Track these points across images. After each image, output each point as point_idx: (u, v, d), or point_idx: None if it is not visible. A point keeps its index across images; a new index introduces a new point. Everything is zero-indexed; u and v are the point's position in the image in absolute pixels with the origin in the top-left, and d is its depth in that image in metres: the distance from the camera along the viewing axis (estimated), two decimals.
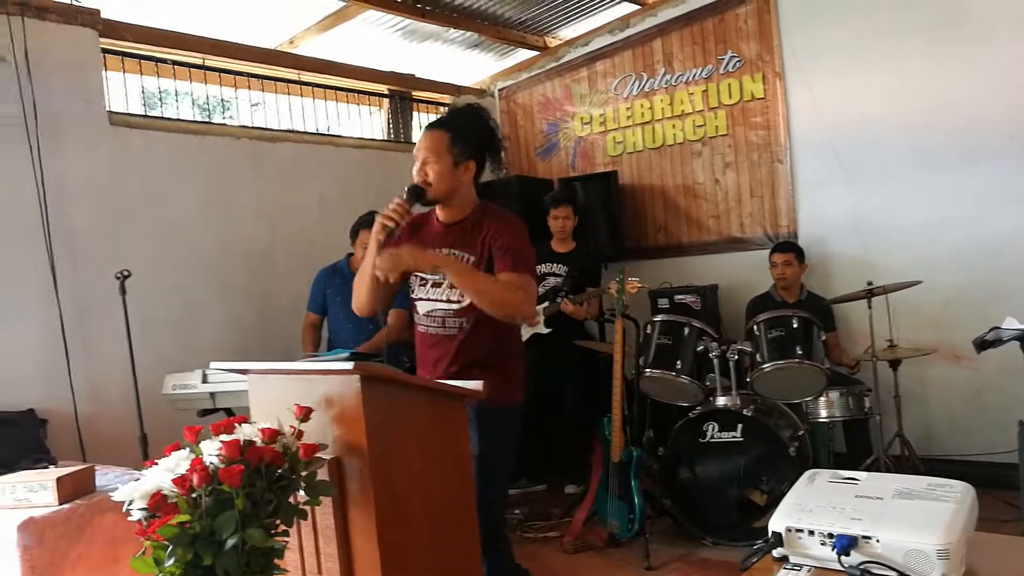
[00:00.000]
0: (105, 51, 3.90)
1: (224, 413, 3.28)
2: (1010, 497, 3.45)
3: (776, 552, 1.38)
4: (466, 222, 2.43)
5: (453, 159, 2.36)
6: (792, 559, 1.35)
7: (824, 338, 3.85)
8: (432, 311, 2.43)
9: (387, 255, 2.28)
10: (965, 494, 1.38)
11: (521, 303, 2.31)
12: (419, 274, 2.43)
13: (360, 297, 2.44)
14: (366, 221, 3.73)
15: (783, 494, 1.49)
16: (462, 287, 2.31)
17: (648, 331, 3.98)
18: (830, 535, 1.31)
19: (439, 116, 2.54)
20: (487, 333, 2.37)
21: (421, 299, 2.46)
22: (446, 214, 2.46)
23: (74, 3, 3.70)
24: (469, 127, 2.42)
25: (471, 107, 2.53)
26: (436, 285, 2.41)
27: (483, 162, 2.45)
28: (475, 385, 1.97)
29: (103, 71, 3.87)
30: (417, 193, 2.35)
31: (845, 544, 1.28)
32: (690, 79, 5.18)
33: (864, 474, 1.53)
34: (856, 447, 4.13)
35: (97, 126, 3.79)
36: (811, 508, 1.39)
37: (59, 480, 2.36)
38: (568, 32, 5.67)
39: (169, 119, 4.23)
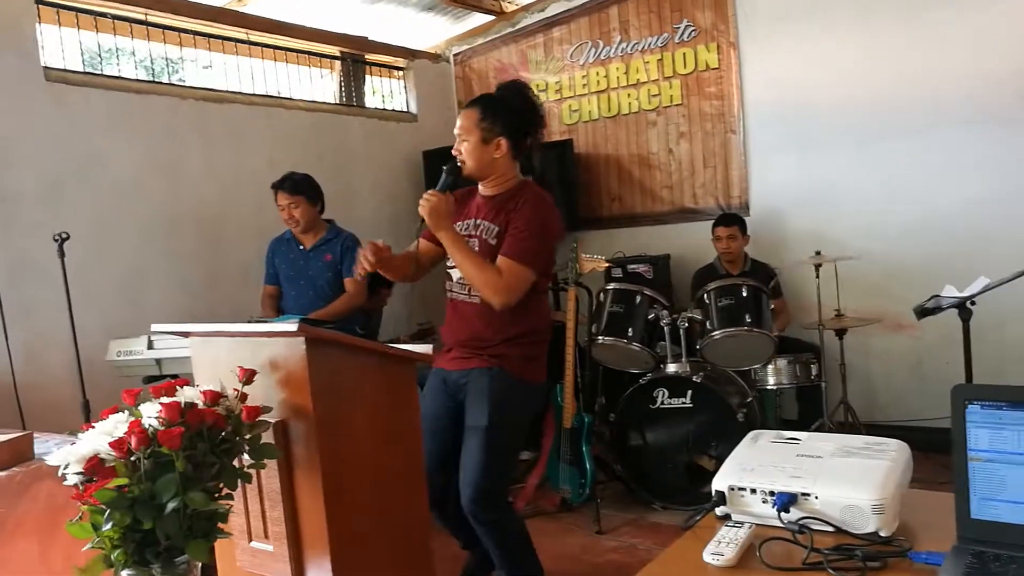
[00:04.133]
0: (39, 2, 3.72)
1: (170, 379, 3.20)
2: (948, 460, 3.56)
3: (719, 511, 1.40)
4: (501, 196, 2.48)
5: (482, 135, 2.41)
6: (734, 517, 1.37)
7: (772, 306, 3.91)
8: (462, 278, 2.48)
9: (423, 204, 2.35)
10: (900, 452, 1.41)
11: (496, 288, 2.33)
12: None
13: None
14: (279, 183, 3.78)
15: None
16: (452, 257, 2.43)
17: (601, 299, 4.01)
18: (771, 492, 1.34)
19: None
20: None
21: (454, 267, 2.51)
22: (485, 188, 2.53)
23: None
24: (500, 103, 2.45)
25: (510, 83, 2.55)
26: None
27: (518, 138, 2.45)
28: (423, 348, 1.95)
29: (37, 24, 3.70)
30: (453, 170, 2.44)
31: (785, 501, 1.31)
32: (645, 48, 5.16)
33: (805, 434, 1.56)
34: (807, 413, 4.22)
35: (31, 81, 3.62)
36: (753, 467, 1.42)
37: None
38: None
39: (110, 76, 4.07)
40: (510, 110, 2.44)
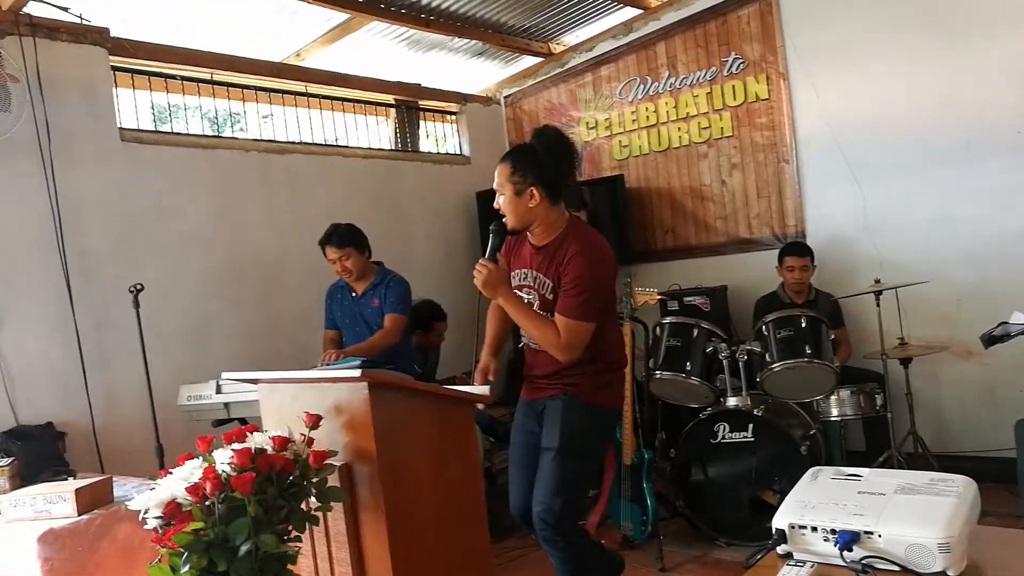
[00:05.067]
0: (115, 68, 3.97)
1: (238, 423, 3.32)
2: None
3: (780, 549, 1.40)
4: (550, 246, 2.50)
5: (514, 189, 2.44)
6: (796, 555, 1.37)
7: (833, 336, 3.84)
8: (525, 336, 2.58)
9: (476, 276, 2.43)
10: (967, 488, 1.38)
11: (557, 346, 2.41)
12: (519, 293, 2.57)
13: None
14: (325, 238, 3.82)
15: None
16: (514, 320, 2.50)
17: (657, 333, 3.99)
18: (832, 531, 1.33)
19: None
20: None
21: None
22: (534, 237, 2.55)
23: (84, 23, 3.77)
24: (528, 154, 2.48)
25: (542, 129, 2.56)
26: (531, 304, 2.53)
27: (551, 185, 2.46)
28: (481, 390, 1.99)
29: (113, 88, 3.94)
30: (499, 230, 2.50)
31: (847, 539, 1.30)
32: (694, 81, 5.19)
33: (867, 470, 1.54)
34: (875, 445, 4.10)
35: (108, 142, 3.85)
36: (814, 505, 1.41)
37: (78, 491, 2.40)
38: (572, 38, 5.70)
39: (178, 134, 4.29)
40: (536, 159, 2.45)
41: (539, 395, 2.60)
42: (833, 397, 3.93)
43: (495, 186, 2.50)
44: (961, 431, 4.36)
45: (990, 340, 3.03)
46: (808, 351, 3.67)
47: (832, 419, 4.00)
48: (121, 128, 3.94)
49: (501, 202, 2.47)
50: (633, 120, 5.49)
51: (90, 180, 3.75)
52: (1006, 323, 2.99)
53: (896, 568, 1.25)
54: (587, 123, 5.71)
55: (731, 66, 5.03)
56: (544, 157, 2.45)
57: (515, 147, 2.64)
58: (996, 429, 4.10)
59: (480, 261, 2.44)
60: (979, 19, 4.17)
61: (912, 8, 4.35)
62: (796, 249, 4.39)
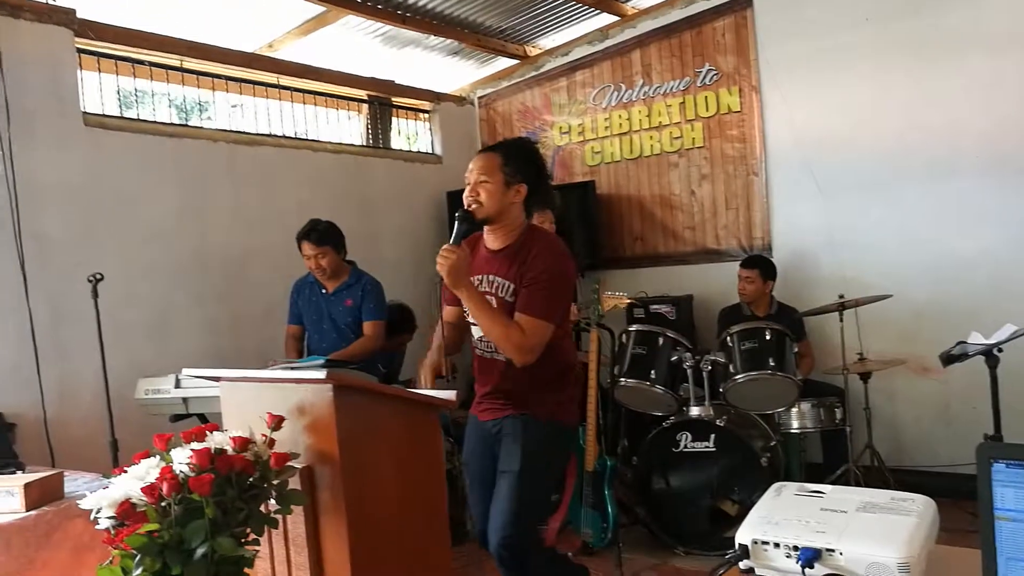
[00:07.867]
0: (81, 51, 3.86)
1: (197, 418, 3.25)
2: (975, 508, 3.49)
3: (742, 564, 1.40)
4: (511, 248, 2.43)
5: (504, 179, 2.37)
6: (758, 571, 1.37)
7: (796, 349, 3.89)
8: (484, 335, 2.44)
9: (441, 262, 2.28)
10: (927, 508, 1.40)
11: (519, 346, 2.29)
12: None
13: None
14: (303, 234, 3.76)
15: (754, 504, 1.51)
16: (472, 316, 2.39)
17: (623, 340, 4.01)
18: (795, 548, 1.33)
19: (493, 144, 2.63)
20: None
21: (475, 324, 2.47)
22: (493, 239, 2.47)
23: (49, 2, 3.67)
24: (520, 152, 2.47)
25: (522, 138, 2.63)
26: None
27: (535, 187, 2.43)
28: (447, 395, 1.97)
29: (78, 71, 3.83)
30: (466, 218, 2.37)
31: (809, 557, 1.30)
32: (668, 91, 5.23)
33: (830, 487, 1.55)
34: (832, 458, 4.16)
35: (71, 126, 3.75)
36: (777, 521, 1.41)
37: (26, 486, 2.32)
38: (548, 42, 5.70)
39: (145, 120, 4.18)
40: (529, 160, 2.46)
41: (490, 417, 2.49)
42: (794, 409, 3.98)
43: (474, 173, 2.40)
44: (916, 446, 4.45)
45: (948, 359, 3.09)
46: (772, 363, 3.71)
47: (792, 431, 4.05)
48: (85, 112, 3.84)
49: (485, 189, 2.37)
50: (606, 127, 5.51)
51: (51, 163, 3.65)
52: (964, 343, 3.05)
53: None
54: (560, 128, 5.72)
55: (704, 77, 5.08)
56: (535, 161, 2.47)
57: (506, 141, 2.60)
58: (949, 445, 4.19)
59: (445, 247, 2.29)
60: (950, 43, 4.25)
61: (885, 28, 4.43)
62: (745, 262, 4.51)
